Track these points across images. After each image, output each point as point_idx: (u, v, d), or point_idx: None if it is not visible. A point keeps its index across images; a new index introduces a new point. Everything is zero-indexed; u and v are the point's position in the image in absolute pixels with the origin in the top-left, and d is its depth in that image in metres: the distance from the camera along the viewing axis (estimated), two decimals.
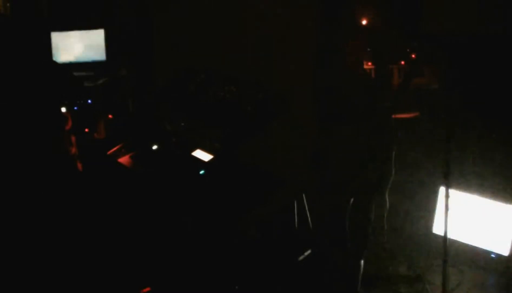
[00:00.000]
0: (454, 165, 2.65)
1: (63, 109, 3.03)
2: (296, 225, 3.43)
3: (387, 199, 3.30)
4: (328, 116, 2.90)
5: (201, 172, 3.00)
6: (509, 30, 3.36)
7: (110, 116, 3.89)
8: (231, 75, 3.67)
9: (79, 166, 2.99)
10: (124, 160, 3.19)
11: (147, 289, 2.93)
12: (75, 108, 3.44)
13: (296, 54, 3.89)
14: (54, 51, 4.46)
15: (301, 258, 3.31)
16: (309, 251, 3.33)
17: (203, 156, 3.11)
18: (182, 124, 3.37)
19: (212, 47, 4.22)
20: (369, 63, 3.97)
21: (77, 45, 4.50)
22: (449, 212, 2.66)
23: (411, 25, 3.44)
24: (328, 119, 2.91)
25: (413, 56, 3.23)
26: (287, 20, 3.99)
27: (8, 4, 3.82)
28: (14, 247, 2.64)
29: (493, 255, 3.21)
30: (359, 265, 2.97)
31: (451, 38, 3.35)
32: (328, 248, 3.21)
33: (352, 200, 2.97)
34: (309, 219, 3.46)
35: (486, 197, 3.26)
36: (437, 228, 3.36)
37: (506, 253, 3.17)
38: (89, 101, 3.86)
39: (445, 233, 2.66)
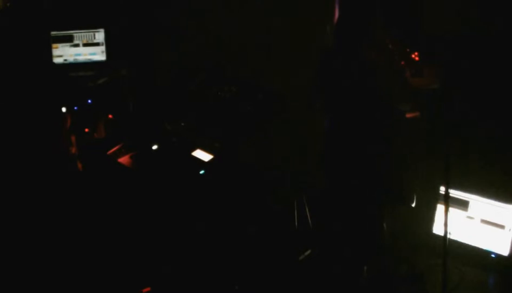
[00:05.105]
0: (454, 165, 2.65)
1: (63, 109, 3.03)
2: (296, 225, 3.43)
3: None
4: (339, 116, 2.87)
5: (201, 172, 3.00)
6: (509, 29, 3.36)
7: (110, 116, 3.89)
8: (231, 75, 3.67)
9: (79, 166, 2.99)
10: (124, 160, 3.19)
11: (147, 289, 2.94)
12: (75, 108, 3.44)
13: (299, 52, 3.89)
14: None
15: (301, 258, 3.31)
16: (309, 251, 3.33)
17: (203, 156, 3.11)
18: (182, 124, 3.37)
19: (213, 47, 4.23)
20: None
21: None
22: (449, 212, 2.66)
23: (411, 24, 3.44)
24: (338, 119, 2.88)
25: (413, 56, 3.22)
26: (291, 17, 4.00)
27: (8, 4, 3.82)
28: (14, 247, 2.65)
29: (493, 255, 3.21)
30: (362, 270, 2.96)
31: (451, 37, 3.35)
32: (329, 250, 3.20)
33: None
34: (309, 219, 3.46)
35: (486, 197, 3.26)
36: (437, 228, 3.36)
37: (506, 253, 3.17)
38: (89, 101, 3.86)
39: (445, 233, 2.66)
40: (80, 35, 4.52)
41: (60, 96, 2.95)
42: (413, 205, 3.05)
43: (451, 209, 2.83)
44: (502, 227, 3.20)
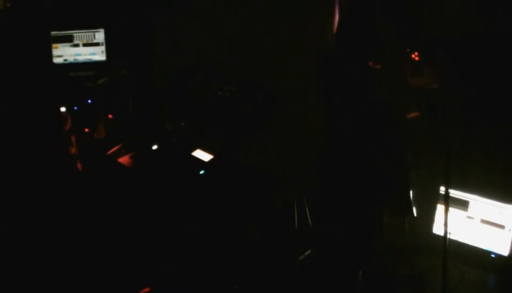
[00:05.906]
0: (454, 165, 2.65)
1: (63, 109, 3.03)
2: (296, 225, 3.43)
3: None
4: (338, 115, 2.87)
5: (201, 172, 3.00)
6: (509, 29, 3.36)
7: (110, 116, 3.89)
8: (231, 75, 3.67)
9: (79, 166, 2.99)
10: (124, 160, 3.19)
11: (147, 289, 2.94)
12: (75, 108, 3.45)
13: (299, 52, 3.89)
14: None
15: (301, 258, 3.31)
16: (309, 251, 3.33)
17: (203, 156, 3.11)
18: (182, 124, 3.38)
19: (212, 47, 4.23)
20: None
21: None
22: (449, 212, 2.66)
23: (410, 24, 3.43)
24: (336, 119, 2.88)
25: (413, 56, 3.22)
26: (291, 17, 4.00)
27: (8, 4, 3.82)
28: (14, 247, 2.65)
29: (493, 255, 3.21)
30: (357, 274, 2.96)
31: (451, 38, 3.35)
32: (328, 250, 3.20)
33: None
34: (309, 219, 3.46)
35: (486, 197, 3.26)
36: (437, 228, 3.36)
37: (506, 253, 3.17)
38: (89, 101, 3.86)
39: (445, 233, 2.65)
40: (80, 35, 4.52)
41: (60, 96, 2.95)
42: (415, 214, 3.06)
43: (451, 209, 2.82)
44: (502, 227, 3.19)
